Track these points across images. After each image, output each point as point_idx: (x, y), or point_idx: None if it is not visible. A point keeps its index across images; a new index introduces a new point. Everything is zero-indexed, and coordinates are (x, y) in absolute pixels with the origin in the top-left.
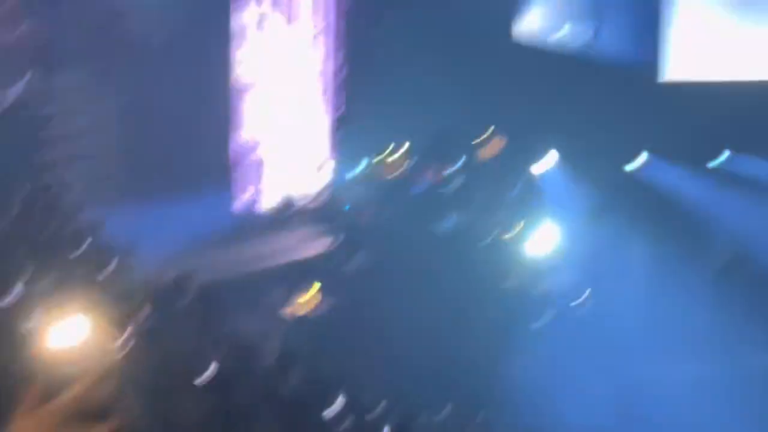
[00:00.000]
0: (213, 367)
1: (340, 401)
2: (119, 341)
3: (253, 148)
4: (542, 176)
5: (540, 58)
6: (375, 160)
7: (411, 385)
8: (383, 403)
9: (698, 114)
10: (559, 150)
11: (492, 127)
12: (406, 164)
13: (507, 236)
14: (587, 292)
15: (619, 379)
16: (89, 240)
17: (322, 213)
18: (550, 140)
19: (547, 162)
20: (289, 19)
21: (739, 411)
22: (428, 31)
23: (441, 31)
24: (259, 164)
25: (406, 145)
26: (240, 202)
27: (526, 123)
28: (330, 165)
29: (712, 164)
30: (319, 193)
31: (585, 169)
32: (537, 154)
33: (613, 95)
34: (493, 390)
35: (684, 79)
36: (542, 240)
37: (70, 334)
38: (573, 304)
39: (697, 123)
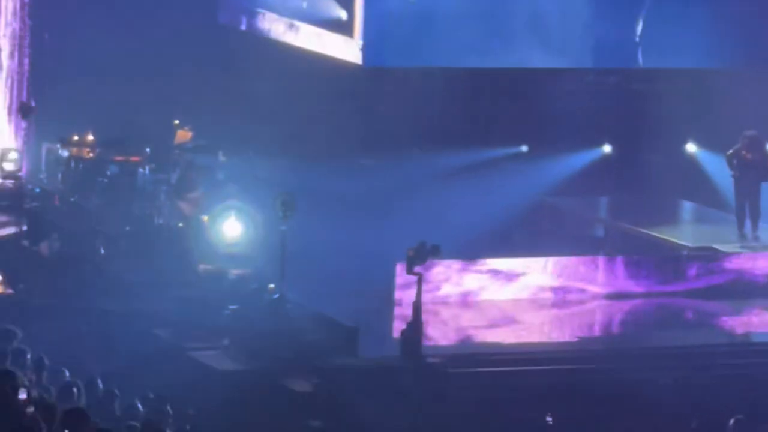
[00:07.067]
0: None
1: None
2: None
3: None
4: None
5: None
6: (61, 146)
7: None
8: None
9: None
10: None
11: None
12: (94, 151)
13: (203, 218)
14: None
15: None
16: None
17: (10, 198)
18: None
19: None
20: None
21: None
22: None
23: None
24: None
25: (91, 134)
26: None
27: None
28: (14, 153)
29: None
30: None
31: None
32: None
33: None
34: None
35: None
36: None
37: None
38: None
39: None
